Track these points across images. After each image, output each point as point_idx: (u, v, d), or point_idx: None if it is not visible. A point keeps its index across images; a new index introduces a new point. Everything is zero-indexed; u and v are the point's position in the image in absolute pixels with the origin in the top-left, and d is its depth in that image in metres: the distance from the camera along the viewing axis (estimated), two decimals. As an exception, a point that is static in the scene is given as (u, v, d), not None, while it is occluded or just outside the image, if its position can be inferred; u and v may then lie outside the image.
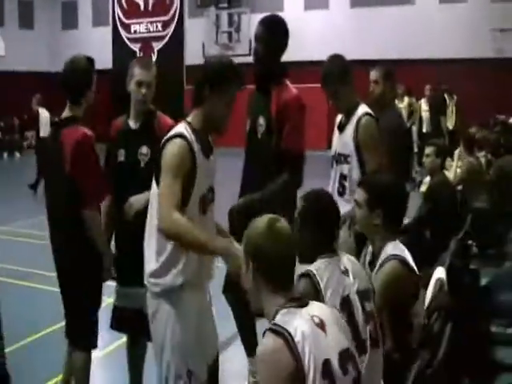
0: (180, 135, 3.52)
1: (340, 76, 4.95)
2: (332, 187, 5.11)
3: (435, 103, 16.52)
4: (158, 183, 3.54)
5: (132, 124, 4.74)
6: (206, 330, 3.78)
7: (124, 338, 5.35)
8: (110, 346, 6.12)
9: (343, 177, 4.98)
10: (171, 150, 3.48)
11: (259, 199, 4.40)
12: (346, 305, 3.25)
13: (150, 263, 3.64)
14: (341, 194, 4.95)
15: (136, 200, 4.48)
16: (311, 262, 3.41)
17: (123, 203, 4.58)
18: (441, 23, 22.41)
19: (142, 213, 4.24)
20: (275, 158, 4.55)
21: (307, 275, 3.31)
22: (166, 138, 3.57)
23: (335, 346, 2.64)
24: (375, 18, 23.76)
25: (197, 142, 3.56)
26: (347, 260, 3.47)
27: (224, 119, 3.67)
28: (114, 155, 4.75)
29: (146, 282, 3.72)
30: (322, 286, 3.25)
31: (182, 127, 3.60)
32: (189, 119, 3.67)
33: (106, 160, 4.92)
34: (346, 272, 3.36)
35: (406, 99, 17.13)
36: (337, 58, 5.09)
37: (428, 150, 7.13)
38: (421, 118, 17.30)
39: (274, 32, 4.75)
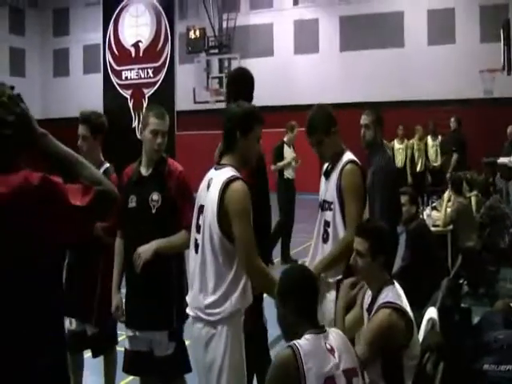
0: (238, 177, 3.90)
1: (324, 127, 4.95)
2: (317, 233, 5.11)
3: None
4: (219, 222, 3.84)
5: (144, 171, 4.80)
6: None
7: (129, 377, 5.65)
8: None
9: (327, 223, 4.96)
10: (240, 193, 3.85)
11: None
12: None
13: (207, 296, 3.91)
14: (325, 240, 4.97)
15: (144, 251, 4.54)
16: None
17: (133, 248, 4.64)
18: (430, 65, 22.68)
19: (151, 262, 4.49)
20: None
21: (291, 348, 3.33)
22: (225, 180, 3.86)
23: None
24: (364, 61, 23.98)
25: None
26: (334, 337, 3.49)
27: (254, 154, 4.17)
28: (125, 201, 4.78)
29: (196, 314, 3.98)
30: (303, 362, 3.27)
31: (232, 170, 3.95)
32: (228, 162, 4.03)
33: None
34: (331, 351, 3.38)
35: (406, 141, 17.50)
36: (321, 108, 5.10)
37: (403, 199, 7.24)
38: (413, 158, 17.56)
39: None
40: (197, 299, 3.97)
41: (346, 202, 4.84)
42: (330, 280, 4.83)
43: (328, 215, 4.96)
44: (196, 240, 4.05)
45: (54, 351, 2.50)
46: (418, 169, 17.52)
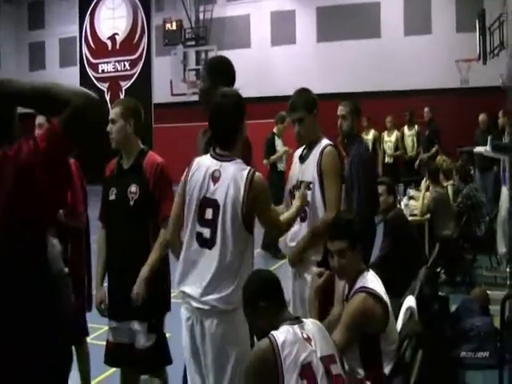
0: (254, 170, 4.05)
1: (308, 104, 5.05)
2: None
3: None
4: (244, 216, 3.99)
5: (125, 164, 4.87)
6: None
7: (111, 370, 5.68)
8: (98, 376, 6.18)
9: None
10: (263, 181, 4.11)
11: None
12: (307, 371, 3.37)
13: (227, 287, 4.00)
14: (303, 219, 5.02)
15: (137, 287, 4.62)
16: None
17: (114, 240, 4.79)
18: (406, 55, 22.75)
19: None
20: None
21: (269, 339, 3.43)
22: (247, 176, 3.99)
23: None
24: (341, 52, 24.01)
25: None
26: (311, 326, 3.58)
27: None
28: (106, 194, 4.88)
29: (209, 306, 4.02)
30: (280, 351, 3.37)
31: (241, 163, 4.07)
32: (232, 154, 4.10)
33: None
34: (308, 339, 3.46)
35: (372, 131, 17.37)
36: (305, 90, 5.21)
37: (380, 189, 7.25)
38: (383, 149, 17.46)
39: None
40: (212, 292, 4.00)
41: (325, 182, 4.94)
42: (313, 258, 4.91)
43: (307, 195, 5.01)
44: (202, 234, 4.04)
45: (53, 350, 2.45)
46: (387, 160, 17.33)
